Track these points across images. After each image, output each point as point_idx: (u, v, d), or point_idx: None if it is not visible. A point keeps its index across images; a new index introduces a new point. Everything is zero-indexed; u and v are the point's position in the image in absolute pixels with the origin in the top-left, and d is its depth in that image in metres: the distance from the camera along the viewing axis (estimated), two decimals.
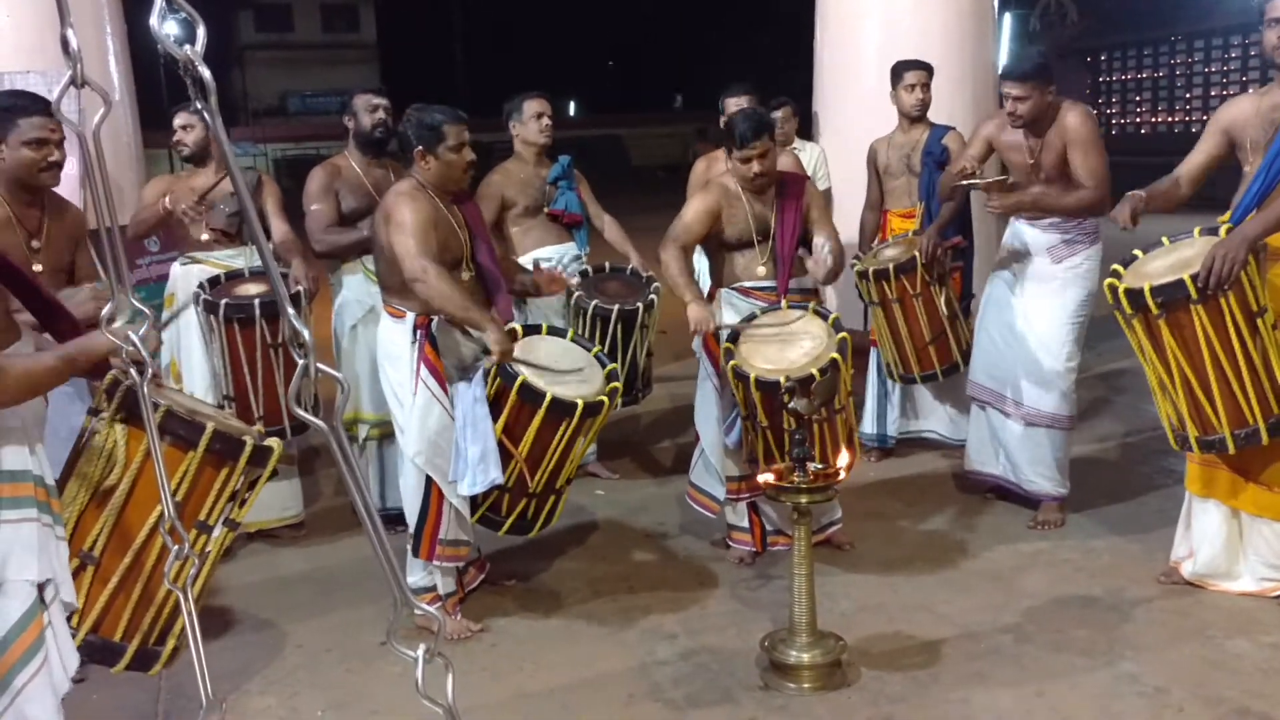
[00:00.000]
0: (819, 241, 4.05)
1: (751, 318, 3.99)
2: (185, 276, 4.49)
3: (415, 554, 3.66)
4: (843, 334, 3.77)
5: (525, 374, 3.49)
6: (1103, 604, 3.70)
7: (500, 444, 3.50)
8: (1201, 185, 3.75)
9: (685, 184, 5.42)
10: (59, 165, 3.33)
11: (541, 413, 3.47)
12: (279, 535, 4.57)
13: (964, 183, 4.29)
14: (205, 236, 4.52)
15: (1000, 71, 4.48)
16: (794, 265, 4.09)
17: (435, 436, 3.55)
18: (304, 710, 3.23)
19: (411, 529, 3.67)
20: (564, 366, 3.65)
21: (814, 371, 3.62)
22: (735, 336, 3.89)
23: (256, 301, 4.15)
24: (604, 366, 3.74)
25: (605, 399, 3.56)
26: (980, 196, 4.50)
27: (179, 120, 4.50)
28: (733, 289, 4.14)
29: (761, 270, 4.10)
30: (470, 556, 3.87)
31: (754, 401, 3.75)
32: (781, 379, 3.61)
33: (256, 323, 4.16)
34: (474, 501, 3.63)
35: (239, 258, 4.53)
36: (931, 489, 4.93)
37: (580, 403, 3.48)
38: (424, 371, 3.57)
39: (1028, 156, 4.24)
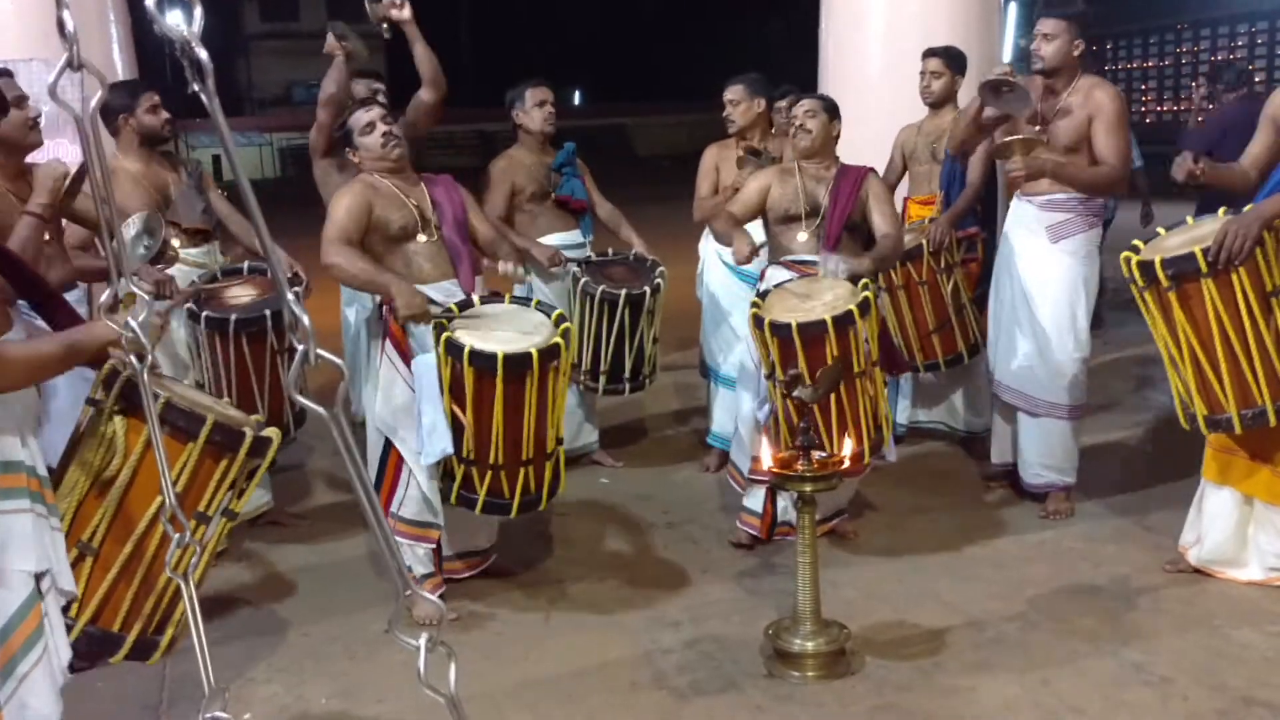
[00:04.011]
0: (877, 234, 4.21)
1: (783, 283, 4.05)
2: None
3: None
4: (867, 294, 3.74)
5: (452, 331, 3.41)
6: (1108, 593, 3.69)
7: (452, 414, 3.44)
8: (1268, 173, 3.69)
9: (692, 175, 5.40)
10: (38, 122, 3.43)
11: (467, 369, 3.35)
12: (282, 524, 4.58)
13: (998, 143, 4.17)
14: (177, 242, 4.30)
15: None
16: (840, 244, 4.14)
17: (399, 411, 3.59)
18: (309, 698, 3.24)
19: None
20: (504, 326, 3.54)
21: (826, 318, 3.61)
22: (764, 295, 3.95)
23: (268, 313, 4.12)
24: (556, 328, 3.55)
25: (532, 351, 3.37)
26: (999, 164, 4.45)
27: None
28: (778, 263, 4.25)
29: (803, 238, 4.20)
30: (475, 547, 3.87)
31: (772, 356, 3.74)
32: (793, 323, 3.63)
33: (268, 335, 4.14)
34: (448, 480, 3.57)
35: (211, 256, 4.45)
36: (937, 478, 4.92)
37: (500, 353, 3.33)
38: (388, 346, 3.63)
39: (1040, 118, 4.19)
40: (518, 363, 3.37)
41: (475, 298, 3.68)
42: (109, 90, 4.55)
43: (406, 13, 4.49)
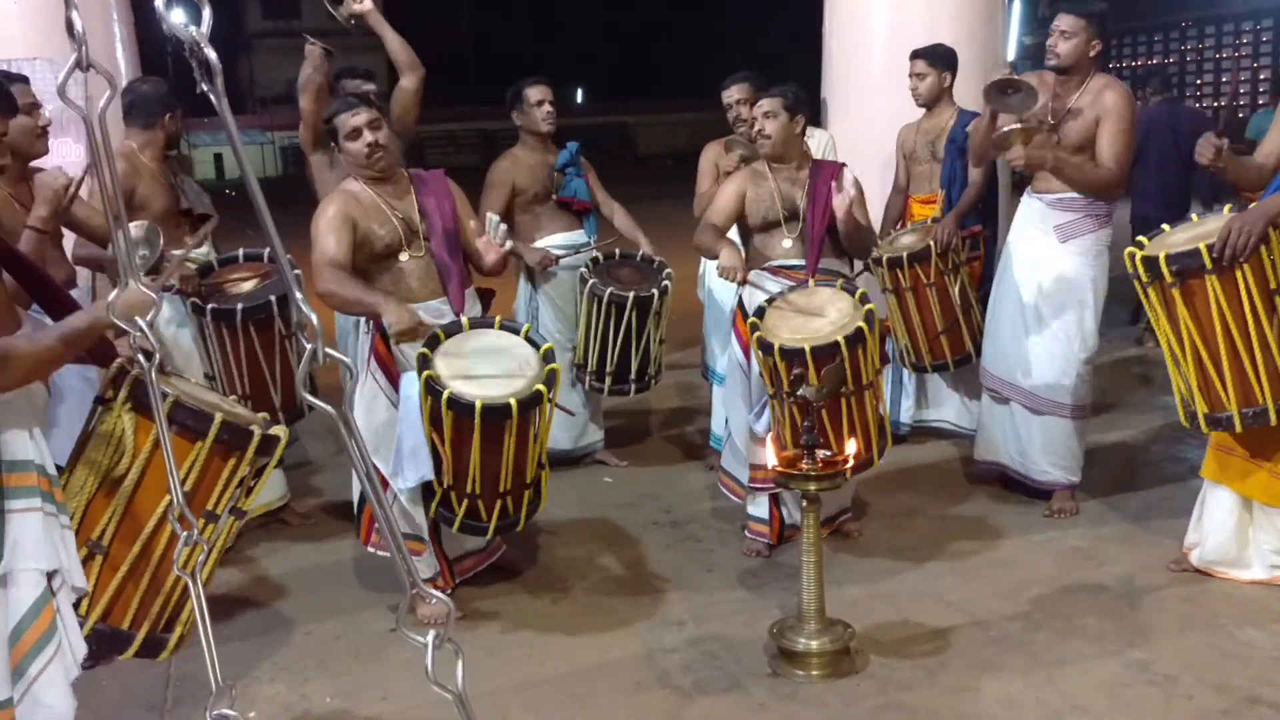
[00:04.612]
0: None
1: (779, 295, 3.94)
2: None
3: (357, 535, 3.73)
4: (869, 306, 3.72)
5: (437, 370, 3.34)
6: (1112, 592, 3.69)
7: (433, 442, 3.39)
8: None
9: (694, 173, 5.40)
10: (47, 131, 3.47)
11: (445, 411, 3.29)
12: (289, 523, 4.59)
13: (997, 133, 4.08)
14: (189, 240, 4.29)
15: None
16: (824, 247, 4.07)
17: (381, 429, 3.55)
18: (313, 697, 3.24)
19: (355, 510, 3.74)
20: (489, 363, 3.43)
21: (839, 339, 3.57)
22: (761, 312, 3.86)
23: (273, 299, 4.14)
24: (541, 370, 3.43)
25: (512, 403, 3.26)
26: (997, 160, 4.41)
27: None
28: (762, 270, 4.12)
29: (788, 245, 4.08)
30: (473, 548, 3.87)
31: (779, 375, 3.70)
32: (806, 347, 3.57)
33: (275, 321, 4.17)
34: (428, 495, 3.53)
35: (208, 254, 4.44)
36: (941, 478, 4.92)
37: (478, 404, 3.25)
38: (373, 364, 3.58)
39: (1050, 118, 4.16)
40: (497, 412, 3.28)
41: (464, 320, 3.53)
42: (152, 84, 4.57)
43: (367, 4, 4.49)
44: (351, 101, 3.64)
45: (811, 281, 3.97)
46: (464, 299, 3.70)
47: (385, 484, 3.58)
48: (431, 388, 3.29)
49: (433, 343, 3.43)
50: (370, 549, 3.75)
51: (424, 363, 3.36)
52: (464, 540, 3.80)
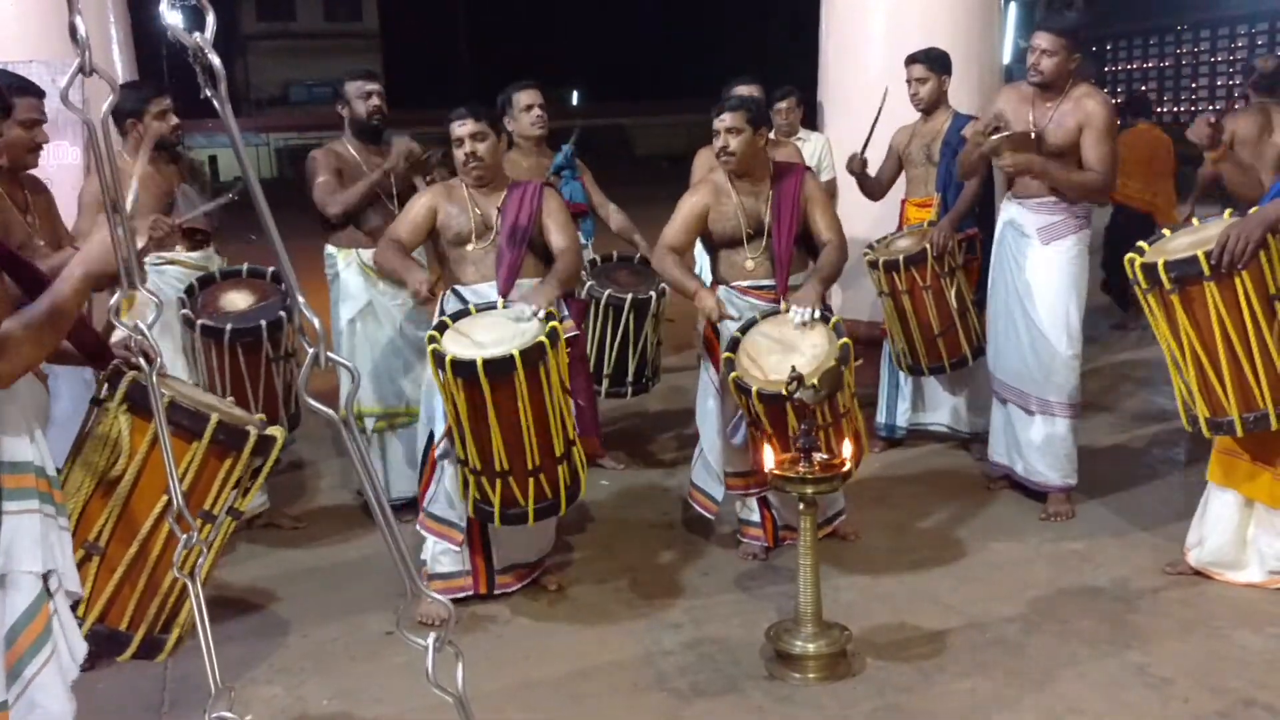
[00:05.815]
0: (819, 255, 4.04)
1: (751, 324, 3.86)
2: (160, 278, 4.24)
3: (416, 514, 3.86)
4: (844, 340, 3.66)
5: (439, 331, 3.47)
6: (1108, 594, 3.70)
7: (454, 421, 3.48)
8: None
9: (689, 175, 5.41)
10: (41, 148, 3.44)
11: (453, 377, 3.32)
12: (281, 526, 4.59)
13: (986, 142, 4.21)
14: (180, 248, 4.33)
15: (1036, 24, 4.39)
16: (793, 262, 4.00)
17: (439, 406, 3.67)
18: (310, 699, 3.24)
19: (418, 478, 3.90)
20: (490, 331, 3.47)
21: (814, 383, 3.49)
22: (735, 345, 3.79)
23: (263, 324, 4.11)
24: (543, 328, 3.43)
25: (478, 360, 3.27)
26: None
27: None
28: (731, 288, 4.04)
29: (751, 266, 4.01)
30: (524, 560, 3.88)
31: (757, 412, 3.68)
32: (783, 390, 3.50)
33: (263, 344, 4.14)
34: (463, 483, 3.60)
35: (210, 260, 4.42)
36: (938, 480, 4.93)
37: (479, 359, 3.26)
38: None
39: (1032, 126, 4.23)
40: (462, 369, 3.29)
41: (500, 302, 3.65)
42: (118, 92, 4.50)
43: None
44: (461, 112, 3.80)
45: (783, 304, 3.86)
46: (511, 286, 3.78)
47: (433, 471, 3.76)
48: (437, 358, 3.37)
49: (459, 315, 3.58)
50: (419, 528, 3.81)
51: (432, 338, 3.45)
52: (512, 552, 3.82)
